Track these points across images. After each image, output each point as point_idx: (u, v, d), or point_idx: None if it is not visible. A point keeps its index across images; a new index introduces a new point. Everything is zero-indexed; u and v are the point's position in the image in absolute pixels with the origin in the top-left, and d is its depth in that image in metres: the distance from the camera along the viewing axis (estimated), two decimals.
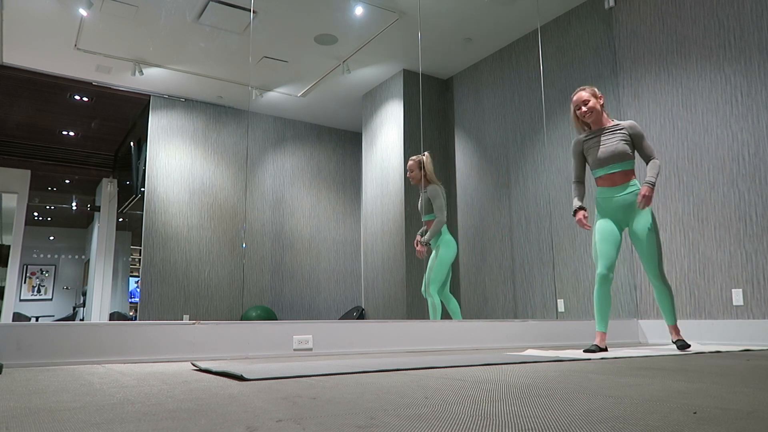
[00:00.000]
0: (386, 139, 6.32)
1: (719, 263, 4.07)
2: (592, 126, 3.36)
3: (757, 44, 4.00)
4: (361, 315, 6.40)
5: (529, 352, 3.21)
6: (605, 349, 3.18)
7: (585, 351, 3.12)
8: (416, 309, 5.71)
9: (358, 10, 5.33)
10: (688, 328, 4.15)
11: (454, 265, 6.10)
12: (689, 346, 3.23)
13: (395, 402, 1.29)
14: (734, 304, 3.95)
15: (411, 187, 5.92)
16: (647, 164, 3.26)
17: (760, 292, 3.83)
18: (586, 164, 3.44)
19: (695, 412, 1.10)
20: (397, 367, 2.15)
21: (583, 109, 3.32)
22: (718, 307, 4.04)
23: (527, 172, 5.55)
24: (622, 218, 3.27)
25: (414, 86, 6.10)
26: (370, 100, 6.72)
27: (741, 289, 3.93)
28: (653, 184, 3.16)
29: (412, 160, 4.71)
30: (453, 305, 4.56)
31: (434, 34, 5.60)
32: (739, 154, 4.03)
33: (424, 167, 4.59)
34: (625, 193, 3.24)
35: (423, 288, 4.56)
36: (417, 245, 4.53)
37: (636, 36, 4.84)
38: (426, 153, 4.70)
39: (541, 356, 2.76)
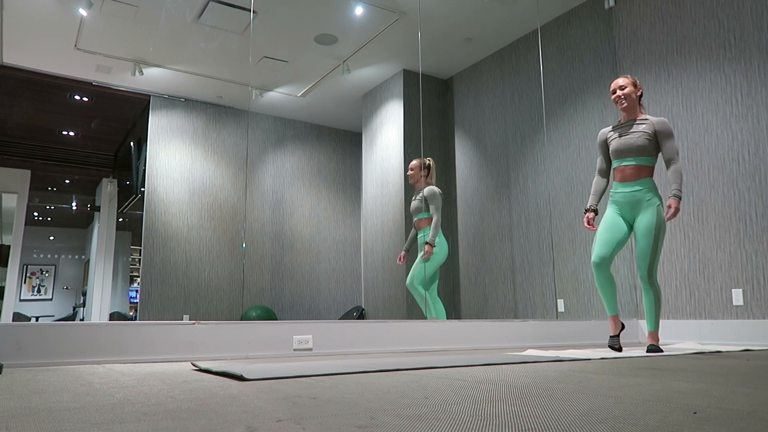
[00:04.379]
0: (386, 139, 6.31)
1: (719, 263, 4.07)
2: (625, 116, 3.27)
3: (757, 44, 4.00)
4: (361, 315, 6.40)
5: (529, 352, 3.21)
6: (622, 327, 3.25)
7: (610, 347, 3.21)
8: (416, 309, 5.70)
9: (358, 10, 5.33)
10: (688, 328, 4.15)
11: (455, 265, 6.10)
12: (660, 351, 3.07)
13: (395, 402, 1.29)
14: (734, 304, 3.95)
15: (411, 187, 5.92)
16: (668, 168, 3.15)
17: (760, 292, 3.83)
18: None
19: (695, 412, 1.10)
20: (397, 367, 2.15)
21: (618, 93, 3.24)
22: (718, 307, 4.04)
23: (527, 172, 5.55)
24: (629, 214, 3.20)
25: (414, 86, 6.09)
26: (370, 100, 6.71)
27: (741, 289, 3.93)
28: (680, 197, 3.06)
29: (416, 160, 4.80)
30: (439, 306, 4.58)
31: (434, 34, 5.60)
32: (739, 154, 4.03)
33: (430, 169, 4.71)
34: (632, 189, 3.16)
35: (408, 281, 4.62)
36: (422, 252, 4.54)
37: (636, 36, 4.84)
38: (430, 159, 4.83)
39: (541, 356, 2.76)
